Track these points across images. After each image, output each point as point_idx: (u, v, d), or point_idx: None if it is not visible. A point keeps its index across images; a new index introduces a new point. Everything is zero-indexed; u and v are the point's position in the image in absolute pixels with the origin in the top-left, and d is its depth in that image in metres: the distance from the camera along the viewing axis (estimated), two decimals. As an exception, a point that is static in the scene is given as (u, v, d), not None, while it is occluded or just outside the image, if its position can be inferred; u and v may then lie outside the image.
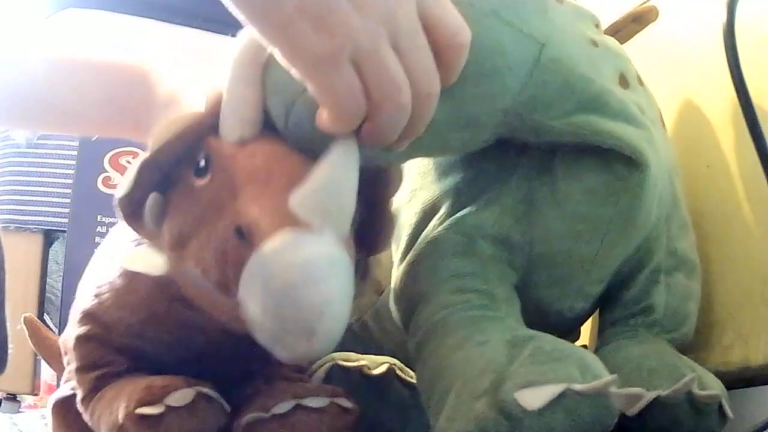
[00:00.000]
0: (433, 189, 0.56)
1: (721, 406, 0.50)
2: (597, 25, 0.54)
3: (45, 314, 1.25)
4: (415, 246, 0.55)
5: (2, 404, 1.27)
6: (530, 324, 0.51)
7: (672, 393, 0.48)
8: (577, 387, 0.42)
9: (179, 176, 0.45)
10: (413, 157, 0.53)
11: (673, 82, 0.65)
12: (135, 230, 0.47)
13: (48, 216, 1.25)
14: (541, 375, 0.43)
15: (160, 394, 0.48)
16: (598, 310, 0.58)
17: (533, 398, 0.42)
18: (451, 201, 0.55)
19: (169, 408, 0.48)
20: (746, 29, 0.55)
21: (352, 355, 0.59)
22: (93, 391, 0.53)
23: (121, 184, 0.46)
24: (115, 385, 0.52)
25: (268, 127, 0.44)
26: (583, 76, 0.48)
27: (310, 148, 0.42)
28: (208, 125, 0.45)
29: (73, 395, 0.56)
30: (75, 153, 1.18)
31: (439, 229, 0.54)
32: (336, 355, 0.58)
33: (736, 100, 0.54)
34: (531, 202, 0.52)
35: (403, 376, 0.58)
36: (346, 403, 0.51)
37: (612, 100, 0.49)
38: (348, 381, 0.56)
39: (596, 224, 0.51)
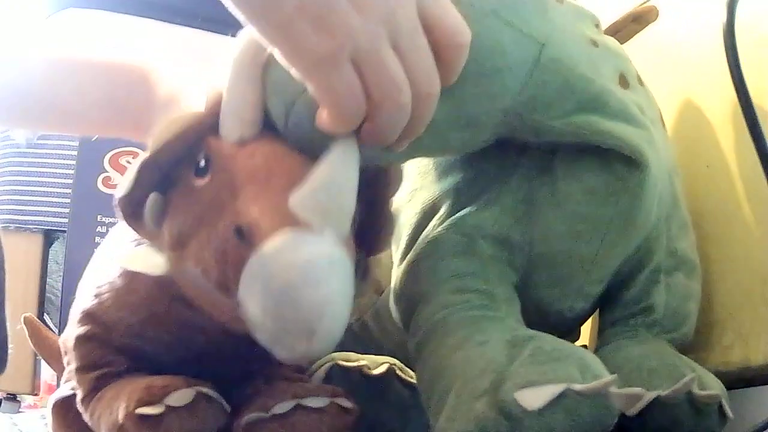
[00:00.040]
0: (433, 189, 0.56)
1: (721, 406, 0.50)
2: (597, 25, 0.53)
3: (45, 314, 1.25)
4: (415, 246, 0.54)
5: (2, 404, 1.27)
6: (530, 324, 0.50)
7: (672, 393, 0.48)
8: (577, 387, 0.42)
9: (179, 176, 0.45)
10: (413, 157, 0.53)
11: (673, 82, 0.65)
12: (135, 230, 0.47)
13: (48, 216, 1.25)
14: (541, 375, 0.43)
15: (160, 394, 0.48)
16: (598, 310, 0.58)
17: (533, 398, 0.42)
18: (451, 201, 0.55)
19: (169, 408, 0.48)
20: (746, 29, 0.55)
21: (352, 355, 0.59)
22: (93, 391, 0.53)
23: (121, 184, 0.45)
24: (115, 385, 0.52)
25: (268, 127, 0.44)
26: (583, 76, 0.48)
27: (310, 148, 0.42)
28: (208, 125, 0.45)
29: (73, 395, 0.56)
30: (75, 153, 1.18)
31: (439, 229, 0.54)
32: (336, 355, 0.58)
33: (736, 100, 0.54)
34: (531, 202, 0.52)
35: (403, 376, 0.58)
36: (346, 403, 0.51)
37: (612, 100, 0.49)
38: (348, 381, 0.56)
39: (596, 224, 0.51)
